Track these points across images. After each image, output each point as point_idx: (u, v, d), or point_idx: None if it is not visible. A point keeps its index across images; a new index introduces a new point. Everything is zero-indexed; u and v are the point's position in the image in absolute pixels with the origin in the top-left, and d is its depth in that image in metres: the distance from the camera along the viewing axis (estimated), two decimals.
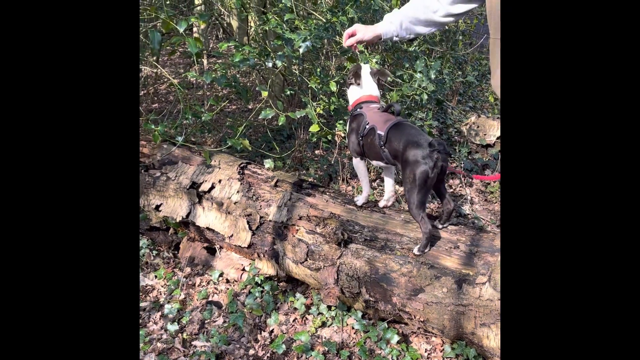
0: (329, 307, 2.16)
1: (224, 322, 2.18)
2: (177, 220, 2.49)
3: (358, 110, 2.14)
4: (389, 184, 2.24)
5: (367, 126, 2.06)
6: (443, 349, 1.97)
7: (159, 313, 2.22)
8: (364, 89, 2.18)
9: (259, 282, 2.33)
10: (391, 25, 1.98)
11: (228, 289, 2.39)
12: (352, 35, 2.04)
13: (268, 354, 1.99)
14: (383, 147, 2.00)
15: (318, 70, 3.22)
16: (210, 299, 2.33)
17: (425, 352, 1.99)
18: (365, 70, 2.19)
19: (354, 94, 2.20)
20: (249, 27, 5.07)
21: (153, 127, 2.58)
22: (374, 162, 2.16)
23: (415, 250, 1.93)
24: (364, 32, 2.01)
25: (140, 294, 2.36)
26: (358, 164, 2.21)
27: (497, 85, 1.95)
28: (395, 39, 2.05)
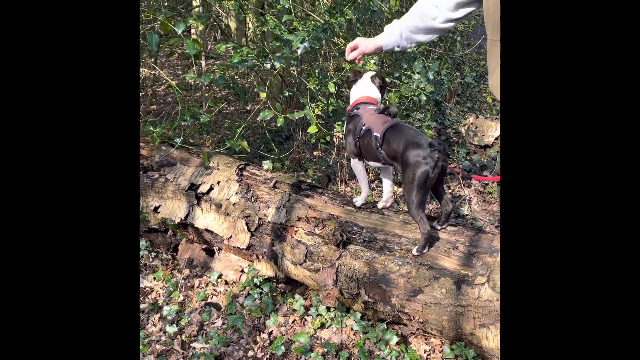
0: (328, 309, 2.16)
1: (223, 323, 2.18)
2: (176, 222, 2.48)
3: (355, 111, 2.16)
4: (387, 185, 2.24)
5: (364, 127, 2.07)
6: (442, 350, 1.97)
7: (158, 315, 2.22)
8: (364, 90, 2.20)
9: (258, 283, 2.33)
10: (391, 36, 2.01)
11: (227, 290, 2.38)
12: (355, 48, 2.07)
13: (267, 356, 1.99)
14: (379, 149, 2.01)
15: (316, 71, 3.23)
16: (209, 300, 2.33)
17: (425, 353, 1.99)
18: (368, 74, 2.22)
19: (354, 94, 2.23)
20: (247, 29, 5.07)
21: (151, 128, 2.58)
22: (371, 163, 2.16)
23: (414, 251, 1.93)
24: (365, 45, 2.05)
25: (139, 295, 2.36)
26: (356, 164, 2.22)
27: (495, 86, 1.95)
28: (396, 49, 2.08)
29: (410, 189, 1.89)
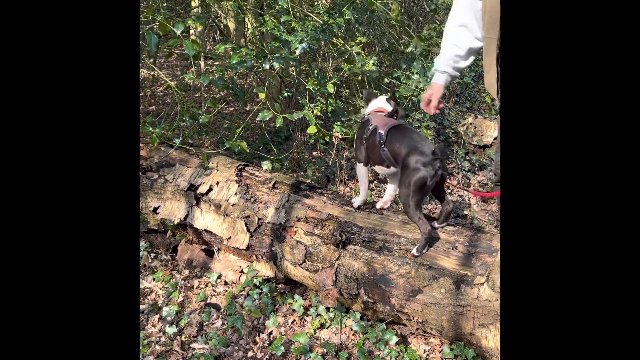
0: (328, 309, 2.16)
1: (223, 324, 2.18)
2: (175, 223, 2.48)
3: (366, 116, 2.25)
4: (390, 188, 2.26)
5: (371, 127, 2.13)
6: (442, 350, 1.97)
7: (157, 316, 2.22)
8: (378, 104, 2.31)
9: (258, 284, 2.33)
10: (444, 74, 2.07)
11: (226, 291, 2.38)
12: (429, 100, 2.10)
13: (267, 356, 1.99)
14: (382, 146, 2.04)
15: (315, 71, 3.23)
16: (208, 301, 2.33)
17: (424, 353, 1.99)
18: (383, 96, 2.35)
19: (369, 108, 2.33)
20: (246, 29, 5.08)
21: (150, 129, 2.58)
22: (377, 169, 2.19)
23: (414, 251, 1.93)
24: (435, 93, 2.09)
25: None
26: (360, 169, 2.26)
27: (491, 84, 1.96)
28: (454, 80, 2.15)
29: (406, 193, 1.91)
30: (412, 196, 1.90)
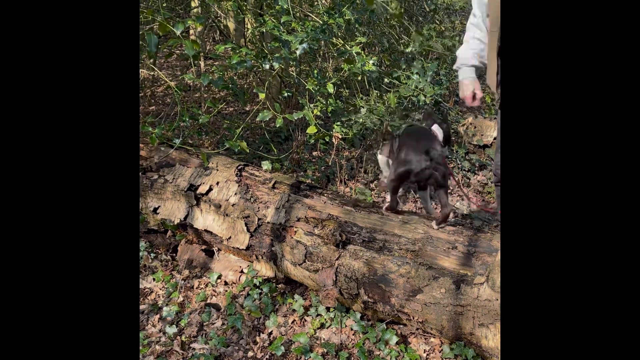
0: (328, 309, 2.16)
1: (223, 324, 2.18)
2: (175, 223, 2.49)
3: None
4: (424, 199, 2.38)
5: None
6: (442, 350, 1.97)
7: (157, 316, 2.22)
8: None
9: (258, 284, 2.33)
10: (472, 67, 2.12)
11: (226, 291, 2.38)
12: (473, 94, 2.16)
13: (267, 356, 1.99)
14: (396, 138, 2.16)
15: (315, 72, 3.23)
16: (208, 301, 2.33)
17: (424, 352, 2.00)
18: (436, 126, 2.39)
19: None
20: (246, 29, 5.08)
21: (150, 129, 2.58)
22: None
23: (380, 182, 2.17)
24: (476, 86, 2.14)
25: None
26: (378, 156, 2.42)
27: (491, 78, 1.96)
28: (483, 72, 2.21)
29: (389, 179, 2.09)
30: (393, 181, 2.07)
